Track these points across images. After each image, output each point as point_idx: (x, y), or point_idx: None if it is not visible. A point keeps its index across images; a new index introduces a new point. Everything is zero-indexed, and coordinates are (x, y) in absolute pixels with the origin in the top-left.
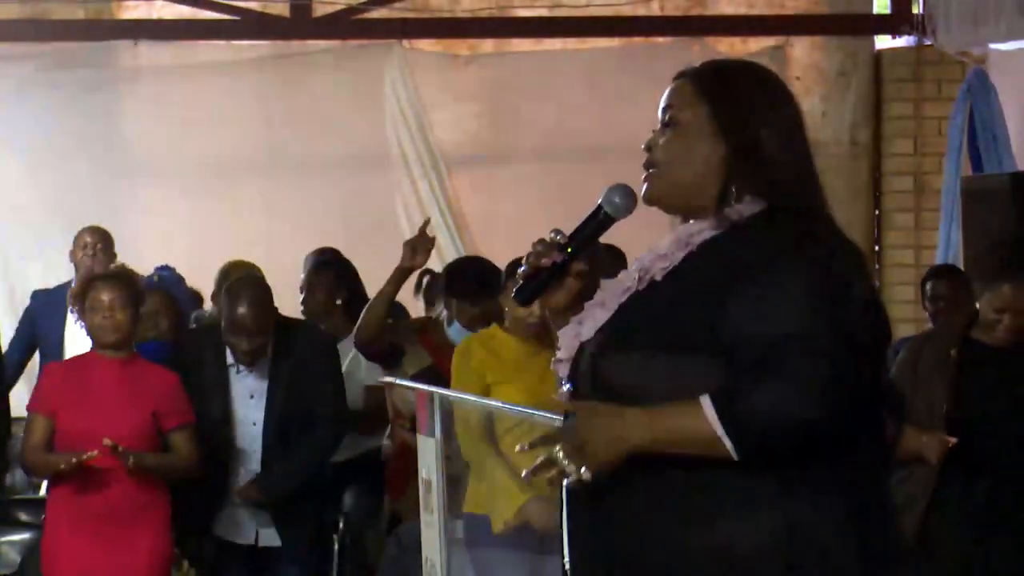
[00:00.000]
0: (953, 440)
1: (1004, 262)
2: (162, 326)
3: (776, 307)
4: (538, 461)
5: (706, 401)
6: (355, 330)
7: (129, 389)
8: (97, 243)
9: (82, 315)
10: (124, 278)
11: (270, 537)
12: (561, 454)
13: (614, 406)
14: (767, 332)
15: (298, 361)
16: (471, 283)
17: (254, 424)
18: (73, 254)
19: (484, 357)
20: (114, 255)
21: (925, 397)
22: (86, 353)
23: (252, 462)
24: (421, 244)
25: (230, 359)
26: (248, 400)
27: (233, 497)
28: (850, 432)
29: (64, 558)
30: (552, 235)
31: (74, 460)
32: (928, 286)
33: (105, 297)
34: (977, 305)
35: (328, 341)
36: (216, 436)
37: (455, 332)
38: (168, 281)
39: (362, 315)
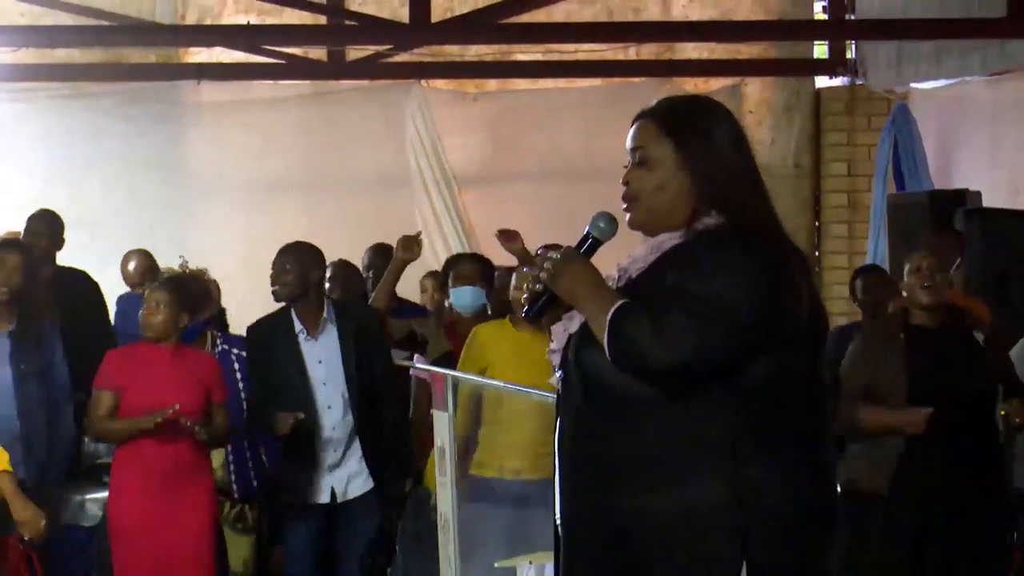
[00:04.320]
0: (930, 410)
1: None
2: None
3: (696, 273)
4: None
5: (616, 306)
6: None
7: (183, 371)
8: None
9: None
10: (174, 283)
11: (347, 492)
12: (548, 263)
13: (596, 274)
14: (679, 286)
15: (358, 328)
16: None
17: (324, 384)
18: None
19: (486, 341)
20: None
21: (884, 377)
22: (140, 343)
23: (330, 416)
24: (412, 240)
25: (298, 328)
26: (317, 364)
27: (315, 459)
28: (789, 406)
29: (127, 512)
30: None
31: (158, 419)
32: (858, 283)
33: (153, 298)
34: (903, 293)
35: (379, 319)
36: (298, 397)
37: (456, 297)
38: None
39: (371, 302)
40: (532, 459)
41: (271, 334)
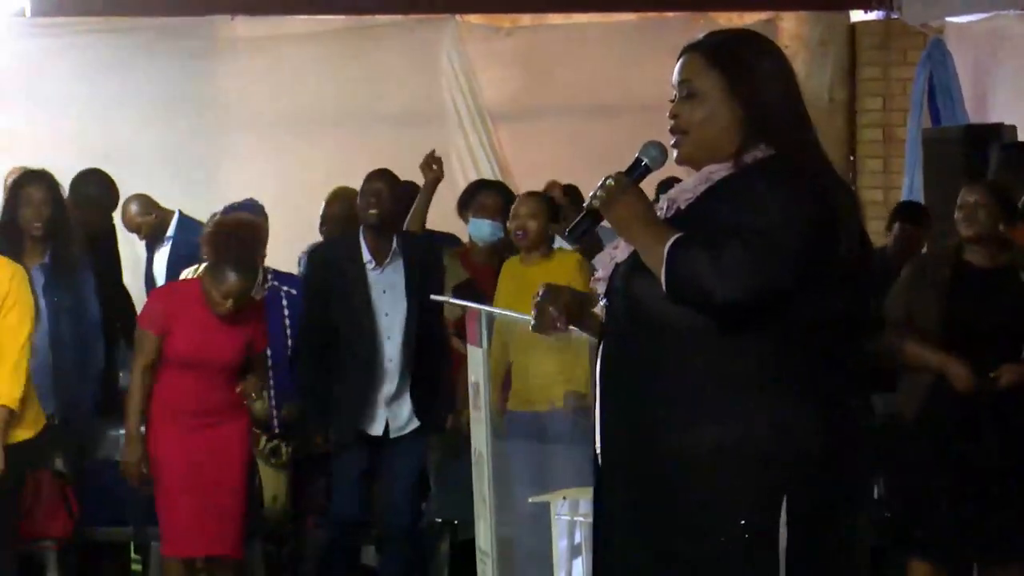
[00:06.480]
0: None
1: None
2: None
3: (750, 206)
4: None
5: (672, 240)
6: None
7: (230, 320)
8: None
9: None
10: (232, 263)
11: (398, 427)
12: (600, 191)
13: (649, 205)
14: (734, 219)
15: (421, 263)
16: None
17: (386, 315)
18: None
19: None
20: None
21: (922, 310)
22: (190, 280)
23: (390, 347)
24: (432, 160)
25: (367, 257)
26: (382, 295)
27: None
28: (828, 343)
29: (166, 449)
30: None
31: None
32: (896, 226)
33: (222, 292)
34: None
35: (440, 254)
36: (361, 325)
37: (474, 228)
38: (245, 208)
39: (406, 225)
40: (560, 388)
41: (336, 260)
